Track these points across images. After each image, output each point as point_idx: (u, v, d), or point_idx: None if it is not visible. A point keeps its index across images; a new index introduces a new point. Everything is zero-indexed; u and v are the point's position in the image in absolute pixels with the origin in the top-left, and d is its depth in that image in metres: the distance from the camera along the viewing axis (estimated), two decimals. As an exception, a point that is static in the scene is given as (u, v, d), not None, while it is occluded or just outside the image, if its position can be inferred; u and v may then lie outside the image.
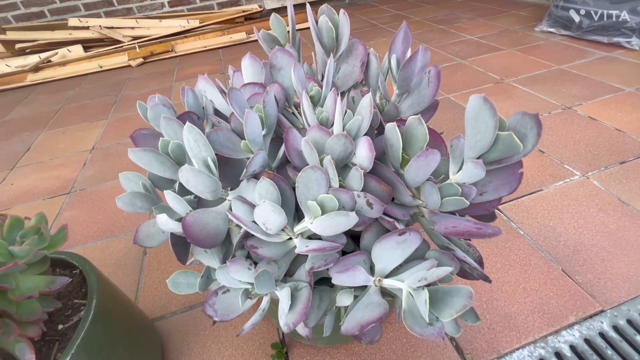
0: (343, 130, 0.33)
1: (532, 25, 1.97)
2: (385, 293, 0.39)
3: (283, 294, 0.34)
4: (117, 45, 2.34)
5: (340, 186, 0.33)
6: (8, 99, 2.00)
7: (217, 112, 0.46)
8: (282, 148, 0.40)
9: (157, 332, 0.64)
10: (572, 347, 0.59)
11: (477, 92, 1.35)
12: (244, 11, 2.65)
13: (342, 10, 0.46)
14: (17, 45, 2.28)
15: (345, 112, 0.35)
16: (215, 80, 0.47)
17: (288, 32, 0.49)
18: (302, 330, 0.41)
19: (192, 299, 0.74)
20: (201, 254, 0.41)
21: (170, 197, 0.39)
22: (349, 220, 0.28)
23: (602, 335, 0.60)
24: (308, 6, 0.47)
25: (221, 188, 0.34)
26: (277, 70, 0.43)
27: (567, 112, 1.18)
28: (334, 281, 0.31)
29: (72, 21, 2.40)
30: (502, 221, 0.82)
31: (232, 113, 0.37)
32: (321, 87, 0.40)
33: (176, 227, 0.36)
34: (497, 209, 0.85)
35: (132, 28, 2.45)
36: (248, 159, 0.35)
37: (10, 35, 2.29)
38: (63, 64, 2.23)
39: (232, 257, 0.37)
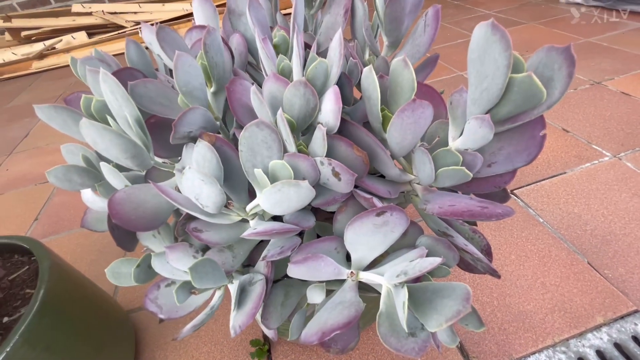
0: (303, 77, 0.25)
1: (557, -3, 1.80)
2: (368, 290, 0.32)
3: (232, 290, 0.27)
4: (120, 31, 2.30)
5: (301, 152, 0.25)
6: (13, 87, 2.00)
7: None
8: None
9: (131, 326, 0.59)
10: (599, 353, 0.51)
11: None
12: (248, -7, 2.55)
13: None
14: (23, 33, 2.27)
15: (311, 60, 0.27)
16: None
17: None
18: (267, 331, 0.34)
19: (174, 289, 0.68)
20: (149, 238, 0.35)
21: (106, 170, 0.32)
22: (300, 193, 0.21)
23: (636, 339, 0.51)
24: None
25: (151, 155, 0.27)
26: (236, 17, 0.35)
27: (596, 87, 1.06)
28: (289, 274, 0.24)
29: (76, 7, 2.37)
30: (519, 207, 0.73)
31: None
32: (289, 34, 0.32)
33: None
34: (513, 194, 0.76)
35: (135, 13, 2.40)
36: (189, 120, 0.27)
37: (16, 23, 2.28)
38: (67, 50, 2.20)
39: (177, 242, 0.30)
